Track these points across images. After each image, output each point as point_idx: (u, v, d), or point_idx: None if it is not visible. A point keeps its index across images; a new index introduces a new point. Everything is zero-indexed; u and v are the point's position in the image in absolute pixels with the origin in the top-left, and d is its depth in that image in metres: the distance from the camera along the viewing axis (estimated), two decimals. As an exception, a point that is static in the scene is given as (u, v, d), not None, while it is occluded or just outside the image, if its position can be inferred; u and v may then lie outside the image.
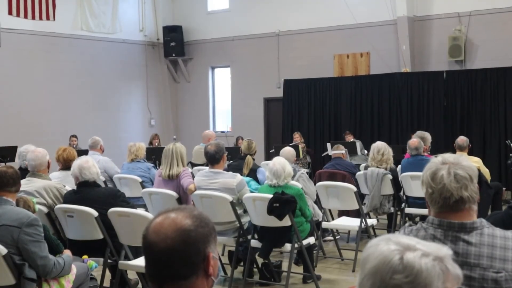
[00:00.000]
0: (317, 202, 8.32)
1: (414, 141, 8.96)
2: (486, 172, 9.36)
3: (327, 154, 14.05)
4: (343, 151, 9.74)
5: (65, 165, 7.19)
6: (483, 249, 2.51)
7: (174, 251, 1.88)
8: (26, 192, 5.89)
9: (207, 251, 1.92)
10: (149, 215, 5.76)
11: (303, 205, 6.77)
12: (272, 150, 13.70)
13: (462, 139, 9.59)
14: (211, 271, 1.93)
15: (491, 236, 2.55)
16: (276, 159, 6.94)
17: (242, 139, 14.81)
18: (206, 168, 7.33)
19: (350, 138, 15.03)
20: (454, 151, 9.93)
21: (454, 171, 2.60)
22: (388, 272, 1.58)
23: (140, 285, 6.51)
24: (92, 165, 6.02)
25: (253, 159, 8.19)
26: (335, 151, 9.68)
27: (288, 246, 6.76)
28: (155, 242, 1.90)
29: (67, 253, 4.97)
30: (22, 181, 6.07)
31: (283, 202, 6.39)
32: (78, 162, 6.09)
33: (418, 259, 1.57)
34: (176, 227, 1.90)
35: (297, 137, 15.17)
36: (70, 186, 6.46)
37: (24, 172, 6.81)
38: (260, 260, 7.23)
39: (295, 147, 12.40)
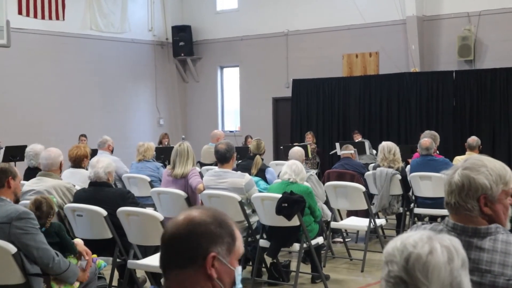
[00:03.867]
0: (326, 202, 8.31)
1: (426, 140, 8.92)
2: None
3: (335, 152, 14.05)
4: (352, 151, 9.73)
5: (75, 163, 7.22)
6: (495, 256, 2.48)
7: (176, 237, 1.93)
8: (36, 191, 5.92)
9: (211, 250, 1.91)
10: (158, 215, 5.77)
11: (312, 204, 6.77)
12: (282, 147, 13.71)
13: (473, 139, 9.58)
14: (211, 272, 1.91)
15: (505, 243, 2.51)
16: (294, 160, 7.13)
17: (251, 138, 14.81)
18: (215, 168, 7.33)
19: (358, 138, 15.02)
20: (463, 151, 9.91)
21: (455, 175, 2.59)
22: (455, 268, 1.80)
23: (147, 283, 6.51)
24: (101, 167, 6.04)
25: (262, 159, 8.20)
26: (344, 151, 9.67)
27: (296, 246, 6.76)
28: (167, 228, 1.98)
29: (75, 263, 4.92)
30: (33, 180, 6.14)
31: (291, 202, 6.39)
32: (92, 159, 6.26)
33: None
34: (187, 217, 1.96)
35: (309, 137, 15.15)
36: (79, 184, 6.49)
37: (32, 171, 6.86)
38: (268, 260, 7.23)
39: (303, 147, 12.38)
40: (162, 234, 1.98)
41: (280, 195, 6.50)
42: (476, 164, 2.58)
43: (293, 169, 6.82)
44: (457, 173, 2.59)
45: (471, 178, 2.55)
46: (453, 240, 1.83)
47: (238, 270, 2.00)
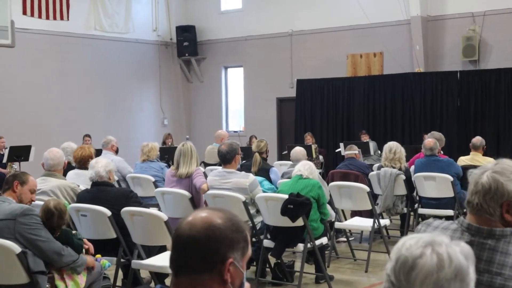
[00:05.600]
0: (330, 202, 8.31)
1: (429, 141, 8.92)
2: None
3: (340, 151, 14.06)
4: (356, 152, 9.72)
5: (80, 164, 7.24)
6: (507, 259, 2.46)
7: (194, 241, 1.89)
8: (41, 191, 5.93)
9: (228, 255, 1.91)
10: (162, 215, 5.77)
11: (322, 197, 6.79)
12: (285, 152, 13.69)
13: (477, 139, 9.58)
14: (227, 277, 1.90)
15: None
16: (306, 161, 7.34)
17: (256, 138, 14.81)
18: (219, 168, 7.33)
19: (365, 138, 14.99)
20: (467, 151, 9.89)
21: (484, 176, 2.54)
22: (442, 278, 1.70)
23: (152, 283, 6.51)
24: (101, 166, 6.05)
25: (265, 159, 8.20)
26: (348, 151, 9.67)
27: (300, 246, 6.76)
28: (182, 228, 1.92)
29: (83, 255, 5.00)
30: (37, 180, 6.13)
31: (297, 204, 6.40)
32: (92, 161, 6.26)
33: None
34: (205, 220, 1.92)
35: (309, 138, 15.10)
36: (84, 185, 6.51)
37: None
38: (272, 260, 7.23)
39: (308, 148, 12.38)
40: (175, 235, 1.94)
41: (285, 196, 6.51)
42: (507, 170, 2.54)
43: (306, 168, 6.96)
44: (486, 175, 2.53)
45: (499, 182, 2.50)
46: (452, 249, 1.74)
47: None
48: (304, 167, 6.97)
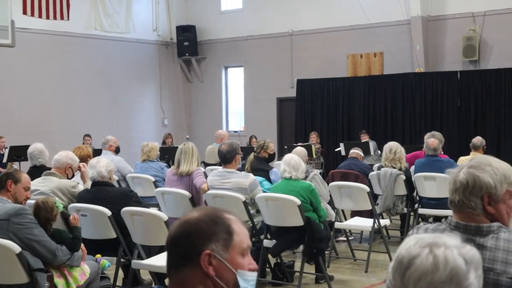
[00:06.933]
0: (330, 202, 8.30)
1: (433, 141, 8.88)
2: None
3: (340, 151, 14.08)
4: (361, 153, 9.70)
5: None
6: (497, 254, 2.47)
7: (173, 240, 1.96)
8: (41, 191, 5.92)
9: (204, 248, 1.91)
10: (162, 215, 5.77)
11: (315, 201, 6.72)
12: (286, 147, 13.74)
13: (478, 139, 9.58)
14: (208, 270, 1.91)
15: (507, 241, 2.50)
16: (291, 155, 6.95)
17: (256, 138, 14.83)
18: (219, 168, 7.33)
19: (365, 138, 14.99)
20: (468, 151, 9.89)
21: (461, 173, 2.57)
22: (436, 280, 1.67)
23: (153, 284, 6.51)
24: (102, 166, 6.05)
25: (266, 159, 8.19)
26: (353, 150, 9.65)
27: (301, 246, 6.75)
28: (168, 231, 2.02)
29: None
30: (38, 180, 6.13)
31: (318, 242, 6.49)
32: (92, 160, 6.25)
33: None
34: (183, 219, 1.99)
35: (314, 137, 15.14)
36: (83, 185, 6.50)
37: (38, 169, 6.89)
38: (272, 260, 7.23)
39: (308, 147, 12.38)
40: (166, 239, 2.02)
41: (284, 195, 6.48)
42: (482, 163, 2.58)
43: (292, 164, 6.70)
44: (462, 171, 2.58)
45: (475, 176, 2.54)
46: (450, 251, 1.69)
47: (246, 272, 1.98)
48: (289, 165, 6.69)
